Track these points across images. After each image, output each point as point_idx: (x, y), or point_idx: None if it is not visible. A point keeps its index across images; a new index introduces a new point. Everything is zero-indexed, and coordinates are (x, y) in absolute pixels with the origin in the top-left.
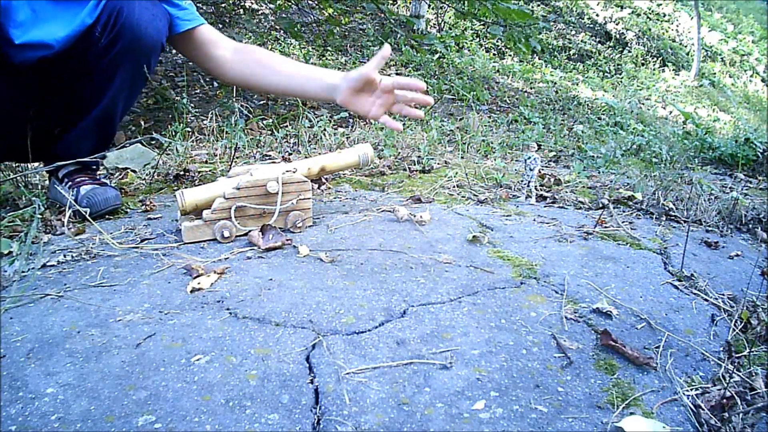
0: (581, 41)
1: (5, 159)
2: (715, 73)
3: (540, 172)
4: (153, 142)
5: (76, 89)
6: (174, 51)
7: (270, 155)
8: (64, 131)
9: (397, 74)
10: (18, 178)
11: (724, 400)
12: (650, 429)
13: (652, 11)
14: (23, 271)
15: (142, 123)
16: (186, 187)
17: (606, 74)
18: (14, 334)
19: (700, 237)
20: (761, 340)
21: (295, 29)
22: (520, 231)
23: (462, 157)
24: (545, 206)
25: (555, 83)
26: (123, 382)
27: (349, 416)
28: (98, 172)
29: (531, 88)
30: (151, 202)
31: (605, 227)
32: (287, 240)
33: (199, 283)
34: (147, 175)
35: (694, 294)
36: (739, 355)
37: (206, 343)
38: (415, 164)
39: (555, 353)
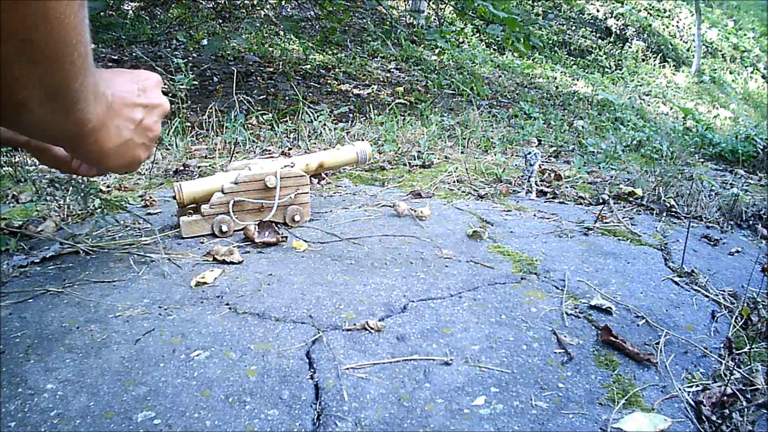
0: (581, 37)
1: None
2: (715, 70)
3: (540, 167)
4: None
5: None
6: (173, 47)
7: (270, 150)
8: None
9: (396, 69)
10: (19, 172)
11: (725, 397)
12: (651, 424)
13: (653, 7)
14: (22, 266)
15: None
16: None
17: (606, 70)
18: (13, 330)
19: (701, 233)
20: (762, 337)
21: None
22: (520, 226)
23: (462, 152)
24: (545, 201)
25: (555, 78)
26: (122, 378)
27: (349, 412)
28: None
29: (531, 84)
30: (150, 197)
31: (606, 223)
32: (282, 238)
33: (203, 278)
34: (146, 169)
35: (695, 290)
36: (740, 351)
37: (206, 338)
38: (415, 159)
39: (555, 349)
